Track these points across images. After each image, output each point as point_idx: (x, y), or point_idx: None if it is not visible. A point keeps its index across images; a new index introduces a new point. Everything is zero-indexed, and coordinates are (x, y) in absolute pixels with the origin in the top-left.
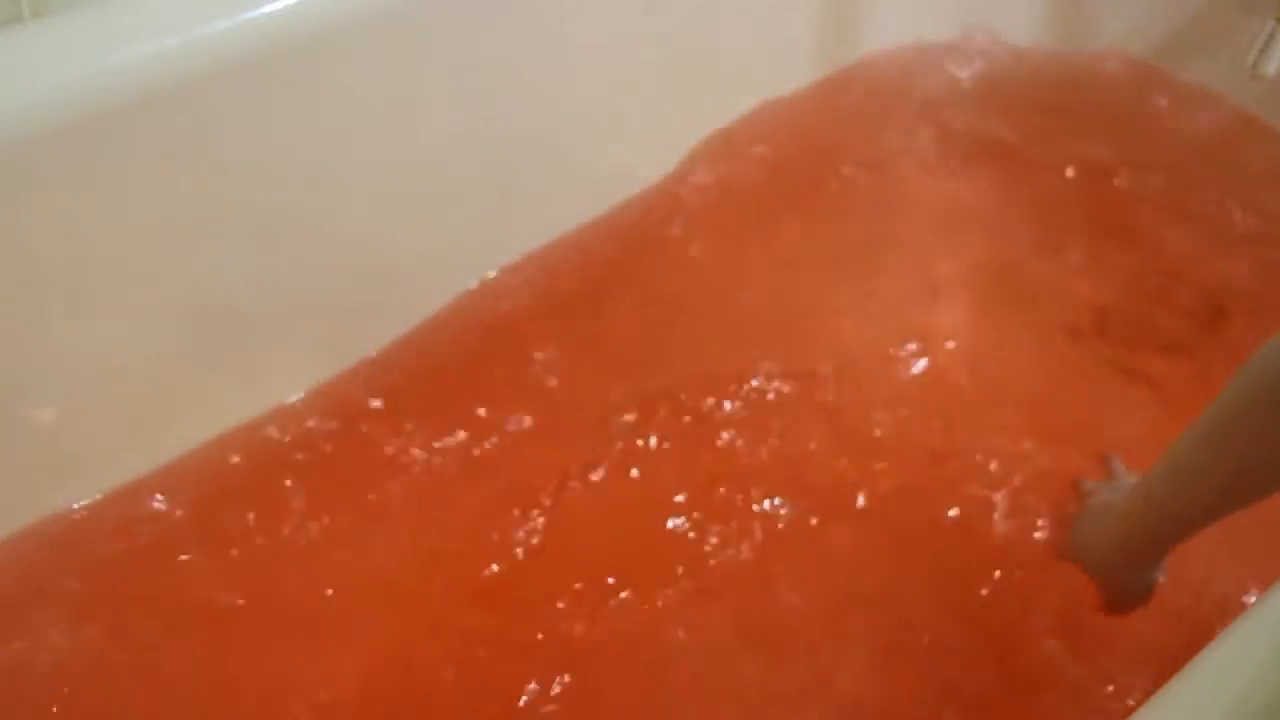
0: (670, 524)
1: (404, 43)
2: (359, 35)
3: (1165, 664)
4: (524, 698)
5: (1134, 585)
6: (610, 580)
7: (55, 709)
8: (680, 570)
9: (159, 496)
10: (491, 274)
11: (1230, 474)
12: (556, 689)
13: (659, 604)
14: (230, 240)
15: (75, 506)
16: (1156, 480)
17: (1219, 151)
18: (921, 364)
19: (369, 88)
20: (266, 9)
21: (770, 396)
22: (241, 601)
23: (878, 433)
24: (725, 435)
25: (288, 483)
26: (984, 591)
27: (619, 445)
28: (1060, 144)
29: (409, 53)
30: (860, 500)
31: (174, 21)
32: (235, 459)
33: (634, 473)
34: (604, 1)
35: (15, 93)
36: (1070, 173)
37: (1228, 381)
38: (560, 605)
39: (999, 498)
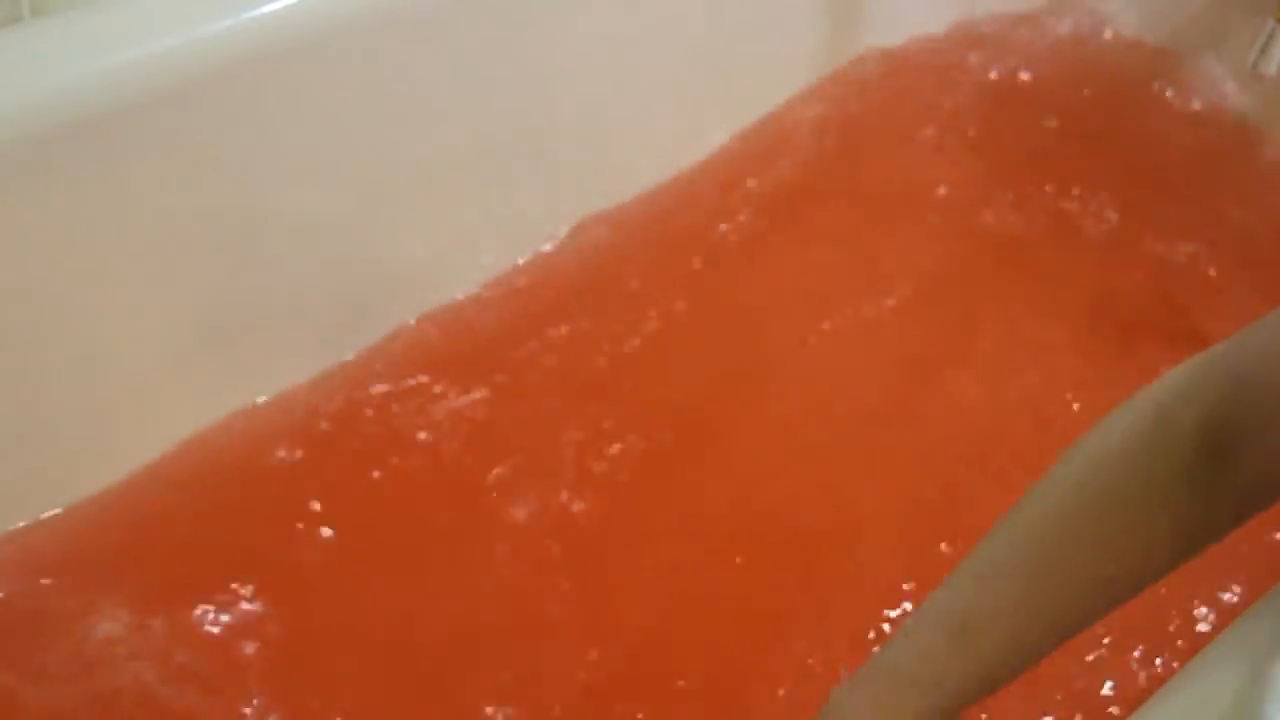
0: None
1: (404, 43)
2: (359, 35)
3: None
4: None
5: None
6: None
7: None
8: None
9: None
10: (491, 275)
11: (1048, 605)
12: None
13: None
14: (229, 239)
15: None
16: (926, 633)
17: (1219, 150)
18: None
19: (369, 88)
20: (266, 9)
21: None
22: None
23: None
24: None
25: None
26: None
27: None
28: (1059, 144)
29: (409, 53)
30: None
31: (174, 21)
32: (228, 457)
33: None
34: (605, 2)
35: (15, 93)
36: (1068, 173)
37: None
38: None
39: None
